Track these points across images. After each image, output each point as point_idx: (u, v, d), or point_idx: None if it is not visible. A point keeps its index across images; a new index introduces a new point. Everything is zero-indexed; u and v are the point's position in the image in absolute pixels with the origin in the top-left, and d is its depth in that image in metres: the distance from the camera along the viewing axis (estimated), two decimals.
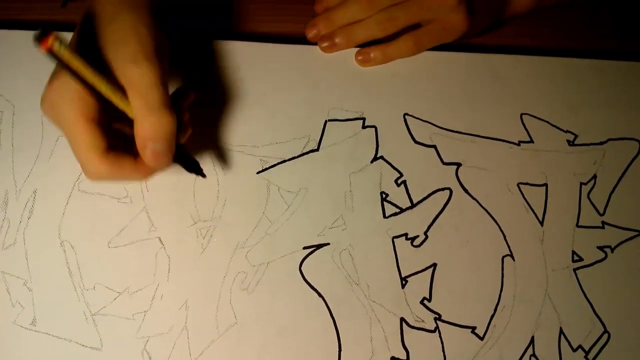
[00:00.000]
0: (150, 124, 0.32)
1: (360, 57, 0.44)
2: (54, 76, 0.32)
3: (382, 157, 0.43)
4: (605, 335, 0.41)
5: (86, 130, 0.31)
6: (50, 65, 0.43)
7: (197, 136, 0.38)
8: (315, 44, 0.45)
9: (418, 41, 0.44)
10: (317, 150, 0.43)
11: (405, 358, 0.39)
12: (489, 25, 0.48)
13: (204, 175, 0.39)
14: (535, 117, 0.45)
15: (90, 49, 0.32)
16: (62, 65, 0.29)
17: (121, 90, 0.32)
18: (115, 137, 0.33)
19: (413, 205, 0.42)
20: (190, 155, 0.38)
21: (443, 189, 0.43)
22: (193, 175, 0.38)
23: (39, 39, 0.27)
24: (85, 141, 0.31)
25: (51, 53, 0.28)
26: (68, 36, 0.44)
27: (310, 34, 0.45)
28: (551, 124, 0.45)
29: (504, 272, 0.41)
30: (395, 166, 0.43)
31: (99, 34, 0.33)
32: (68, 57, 0.29)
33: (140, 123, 0.32)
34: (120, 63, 0.32)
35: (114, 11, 0.33)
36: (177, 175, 0.40)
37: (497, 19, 0.48)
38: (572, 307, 0.41)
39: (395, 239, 0.41)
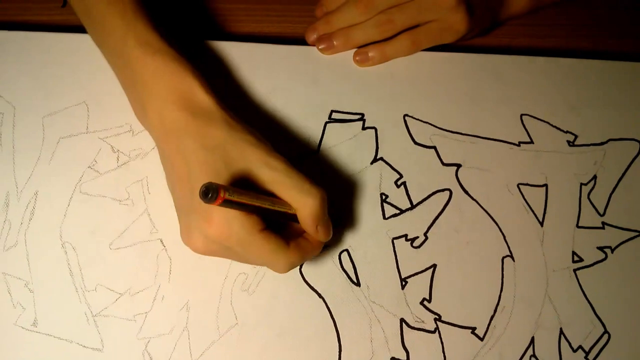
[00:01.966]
0: (312, 207, 0.34)
1: (358, 58, 0.45)
2: (206, 215, 0.33)
3: (382, 159, 0.43)
4: (606, 336, 0.41)
5: (268, 239, 0.33)
6: (50, 67, 0.43)
7: None
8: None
9: (416, 40, 0.44)
10: (317, 151, 0.43)
11: (405, 359, 0.39)
12: (488, 26, 0.48)
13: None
14: (535, 117, 0.45)
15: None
16: (233, 206, 0.31)
17: (271, 195, 0.34)
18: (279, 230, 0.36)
19: (413, 206, 0.42)
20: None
21: (443, 190, 0.43)
22: None
23: (211, 200, 0.29)
24: (271, 248, 0.34)
25: (224, 203, 0.30)
26: (69, 37, 0.44)
27: (311, 38, 0.45)
28: (551, 125, 0.45)
29: (504, 272, 0.41)
30: (395, 167, 0.43)
31: (220, 158, 0.34)
32: (238, 198, 0.31)
33: (306, 210, 0.34)
34: (256, 173, 0.34)
35: (213, 135, 0.35)
36: None
37: (496, 19, 0.48)
38: (572, 308, 0.41)
39: (395, 240, 0.41)
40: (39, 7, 0.47)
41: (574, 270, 0.42)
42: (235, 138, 0.35)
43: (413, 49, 0.45)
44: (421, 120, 0.44)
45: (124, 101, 0.41)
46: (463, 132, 0.44)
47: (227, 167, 0.34)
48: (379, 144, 0.43)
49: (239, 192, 0.31)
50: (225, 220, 0.32)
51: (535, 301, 0.41)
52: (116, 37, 0.37)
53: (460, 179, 0.43)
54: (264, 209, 0.33)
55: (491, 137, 0.44)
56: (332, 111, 0.44)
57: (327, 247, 0.41)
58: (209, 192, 0.29)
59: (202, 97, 0.36)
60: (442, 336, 0.40)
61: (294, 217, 0.35)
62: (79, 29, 0.43)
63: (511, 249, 0.42)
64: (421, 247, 0.41)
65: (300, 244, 0.36)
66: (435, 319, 0.40)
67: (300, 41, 0.46)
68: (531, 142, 0.44)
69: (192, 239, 0.34)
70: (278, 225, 0.36)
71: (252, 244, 0.33)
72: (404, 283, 0.41)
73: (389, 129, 0.44)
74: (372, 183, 0.42)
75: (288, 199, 0.34)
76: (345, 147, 0.43)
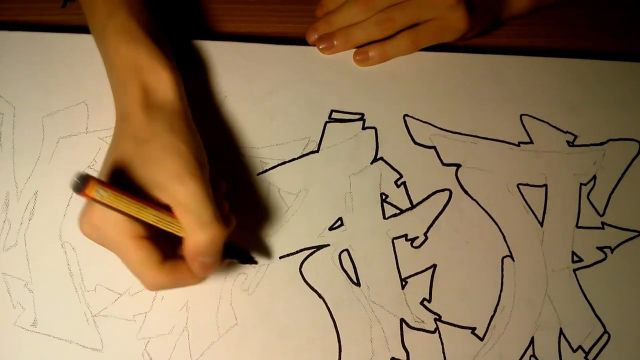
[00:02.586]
0: (201, 241, 0.32)
1: (358, 57, 0.45)
2: (91, 202, 0.31)
3: (382, 158, 0.43)
4: (605, 336, 0.41)
5: (137, 248, 0.32)
6: (50, 67, 0.43)
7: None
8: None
9: (416, 39, 0.44)
10: (317, 151, 0.43)
11: (405, 359, 0.39)
12: (488, 26, 0.48)
13: (255, 262, 0.39)
14: (535, 117, 0.45)
15: (126, 171, 0.33)
16: (105, 206, 0.29)
17: (165, 208, 0.32)
18: (166, 243, 0.34)
19: (413, 206, 0.42)
20: (238, 246, 0.38)
21: (443, 190, 0.43)
22: None
23: (79, 189, 0.27)
24: (138, 259, 0.32)
25: (94, 200, 0.28)
26: (69, 37, 0.44)
27: (311, 38, 0.45)
28: (551, 125, 0.45)
29: (504, 272, 0.41)
30: (395, 167, 0.43)
31: (134, 154, 0.33)
32: (112, 200, 0.29)
33: (192, 240, 0.32)
34: (164, 182, 0.32)
35: (150, 131, 0.34)
36: None
37: (497, 19, 0.48)
38: (572, 308, 0.41)
39: (395, 240, 0.41)
40: (39, 7, 0.47)
41: (574, 270, 0.42)
42: (167, 141, 0.33)
43: (413, 48, 0.45)
44: (421, 120, 0.44)
45: None
46: (463, 132, 0.44)
47: (143, 165, 0.33)
48: (379, 143, 0.43)
49: (119, 194, 0.29)
50: (102, 216, 0.31)
51: (535, 301, 0.41)
52: (99, 20, 0.38)
53: (460, 179, 0.43)
54: (144, 221, 0.31)
55: (491, 137, 0.44)
56: (332, 111, 0.44)
57: (327, 247, 0.41)
58: (78, 182, 0.28)
59: (163, 92, 0.36)
60: (442, 336, 0.40)
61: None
62: (79, 29, 0.43)
63: (511, 249, 0.42)
64: (421, 247, 0.41)
65: (179, 267, 0.33)
66: (435, 319, 0.40)
67: (301, 41, 0.46)
68: (531, 142, 0.44)
69: (80, 219, 0.33)
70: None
71: (121, 248, 0.32)
72: (404, 283, 0.41)
73: (389, 129, 0.44)
74: (372, 183, 0.42)
75: (182, 221, 0.32)
76: (345, 147, 0.43)
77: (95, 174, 0.41)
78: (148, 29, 0.38)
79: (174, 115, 0.35)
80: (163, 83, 0.36)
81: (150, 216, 0.31)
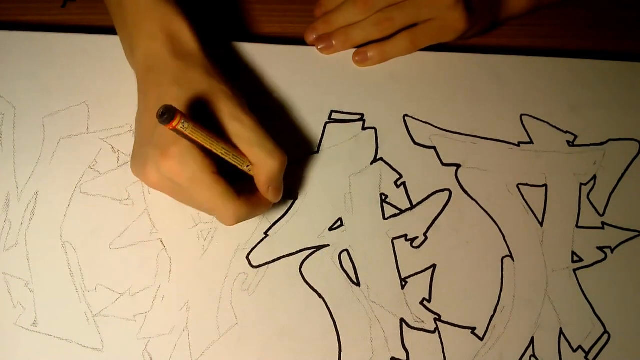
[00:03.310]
0: (270, 167, 0.35)
1: (357, 58, 0.45)
2: (163, 147, 0.33)
3: (381, 159, 0.43)
4: (605, 336, 0.41)
5: (218, 183, 0.33)
6: (51, 68, 0.43)
7: None
8: None
9: (415, 39, 0.44)
10: (317, 152, 0.43)
11: (405, 359, 0.39)
12: (488, 26, 0.48)
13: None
14: (535, 117, 0.45)
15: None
16: (186, 138, 0.31)
17: (230, 145, 0.34)
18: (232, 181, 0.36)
19: (413, 207, 0.42)
20: None
21: (443, 190, 0.43)
22: None
23: (166, 121, 0.29)
24: (221, 192, 0.33)
25: (177, 131, 0.30)
26: (69, 37, 0.44)
27: (310, 38, 0.45)
28: (551, 125, 0.45)
29: (504, 272, 0.42)
30: (395, 167, 0.43)
31: (185, 100, 0.35)
32: (192, 132, 0.31)
33: (262, 168, 0.35)
34: (224, 123, 0.35)
35: (190, 77, 0.36)
36: None
37: (496, 19, 0.48)
38: (572, 308, 0.41)
39: (395, 240, 0.41)
40: (39, 7, 0.47)
41: (574, 270, 0.42)
42: (212, 85, 0.35)
43: (412, 48, 0.45)
44: (421, 121, 0.44)
45: (124, 101, 0.41)
46: (463, 133, 0.44)
47: (197, 109, 0.34)
48: (379, 144, 0.43)
49: (196, 126, 0.31)
50: (180, 155, 0.32)
51: (535, 301, 0.41)
52: None
53: (460, 179, 0.43)
54: (217, 154, 0.33)
55: (491, 137, 0.44)
56: (332, 111, 0.44)
57: (327, 247, 0.41)
58: (165, 114, 0.29)
59: (188, 41, 0.37)
60: (442, 336, 0.40)
61: (246, 174, 0.36)
62: (79, 29, 0.43)
63: (511, 249, 0.42)
64: (421, 247, 0.41)
65: (250, 198, 0.36)
66: (435, 319, 0.40)
67: (300, 41, 0.46)
68: (531, 142, 0.44)
69: (146, 169, 0.34)
70: (231, 179, 0.36)
71: (204, 183, 0.33)
72: (403, 283, 0.41)
73: (388, 129, 0.44)
74: (372, 183, 0.42)
75: (249, 154, 0.35)
76: (345, 148, 0.43)
77: (97, 174, 0.41)
78: None
79: (204, 60, 0.37)
80: (185, 32, 0.37)
81: (219, 149, 0.33)
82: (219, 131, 0.34)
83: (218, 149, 0.33)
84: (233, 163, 0.35)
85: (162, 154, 0.33)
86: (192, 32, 0.38)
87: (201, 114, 0.34)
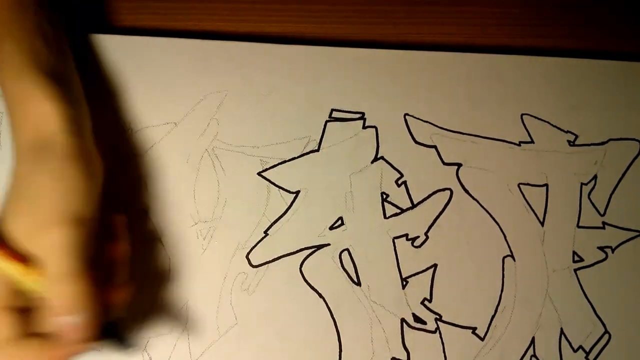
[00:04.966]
0: (57, 294, 0.28)
1: None
2: None
3: (382, 158, 0.43)
4: (606, 336, 0.41)
5: None
6: None
7: (198, 137, 0.38)
8: (317, 43, 0.45)
9: None
10: (317, 150, 0.43)
11: (405, 359, 0.39)
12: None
13: (132, 347, 0.34)
14: (535, 117, 0.45)
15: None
16: None
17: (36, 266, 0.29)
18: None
19: (413, 206, 0.42)
20: (123, 333, 0.34)
21: (443, 190, 0.43)
22: (193, 179, 0.38)
23: None
24: None
25: None
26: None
27: None
28: (552, 124, 0.45)
29: (505, 272, 0.41)
30: (396, 166, 0.43)
31: (9, 202, 0.30)
32: None
33: (49, 295, 0.29)
34: (31, 233, 0.29)
35: (28, 175, 0.30)
36: (177, 176, 0.40)
37: None
38: (573, 308, 0.41)
39: (395, 240, 0.41)
40: None
41: (575, 270, 0.42)
42: (41, 186, 0.30)
43: None
44: (422, 120, 0.44)
45: (123, 102, 0.41)
46: (463, 132, 0.44)
47: (14, 214, 0.30)
48: (380, 143, 0.43)
49: None
50: None
51: (535, 301, 0.41)
52: None
53: (460, 179, 0.43)
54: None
55: (492, 136, 0.44)
56: (332, 110, 0.44)
57: (327, 246, 0.41)
58: None
59: (47, 126, 0.31)
60: (442, 336, 0.40)
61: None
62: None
63: (512, 248, 0.42)
64: (422, 247, 0.41)
65: (46, 344, 0.29)
66: (436, 319, 0.40)
67: (300, 40, 0.46)
68: (532, 141, 0.44)
69: None
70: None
71: None
72: (404, 283, 0.41)
73: (389, 128, 0.44)
74: (373, 182, 0.42)
75: (42, 275, 0.29)
76: (345, 146, 0.43)
77: None
78: (35, 55, 0.33)
79: (58, 155, 0.31)
80: (46, 115, 0.31)
81: (16, 270, 0.29)
82: (31, 241, 0.29)
83: (13, 270, 0.29)
84: (34, 288, 0.30)
85: None
86: (55, 114, 0.32)
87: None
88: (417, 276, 0.41)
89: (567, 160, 0.44)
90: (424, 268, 0.41)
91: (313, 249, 0.41)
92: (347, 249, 0.41)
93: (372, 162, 0.43)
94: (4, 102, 0.33)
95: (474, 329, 0.40)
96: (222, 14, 0.48)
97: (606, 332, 0.41)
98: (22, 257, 0.29)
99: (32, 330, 0.29)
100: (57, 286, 0.29)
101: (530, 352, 0.40)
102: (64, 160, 0.31)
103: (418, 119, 0.44)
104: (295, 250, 0.40)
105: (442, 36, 0.48)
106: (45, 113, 0.31)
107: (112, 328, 0.32)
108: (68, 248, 0.29)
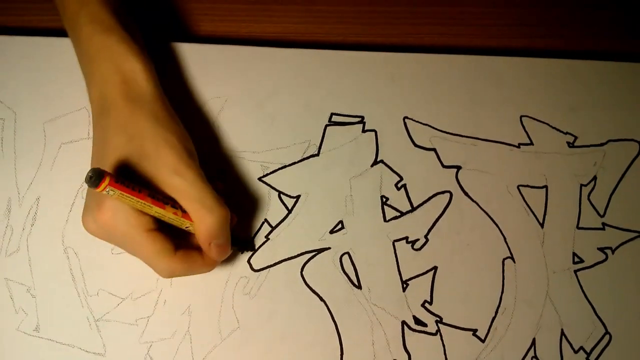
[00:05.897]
0: (210, 224, 0.33)
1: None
2: (99, 200, 0.33)
3: (382, 161, 0.43)
4: (607, 337, 0.41)
5: (150, 241, 0.33)
6: (51, 73, 0.43)
7: (198, 142, 0.38)
8: (318, 44, 0.45)
9: None
10: (317, 155, 0.43)
11: None
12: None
13: (255, 249, 0.41)
14: (535, 119, 0.45)
15: (126, 167, 0.33)
16: (121, 199, 0.31)
17: (170, 200, 0.34)
18: (180, 235, 0.35)
19: (413, 209, 0.42)
20: (240, 236, 0.40)
21: (443, 192, 0.43)
22: None
23: (93, 185, 0.29)
24: (152, 251, 0.33)
25: (109, 194, 0.30)
26: (70, 42, 0.44)
27: None
28: (551, 126, 0.45)
29: (505, 274, 0.42)
30: (396, 170, 0.43)
31: (130, 150, 0.34)
32: (119, 197, 0.30)
33: (200, 225, 0.34)
34: (163, 177, 0.34)
35: (138, 125, 0.34)
36: None
37: None
38: (573, 309, 0.41)
39: (395, 243, 0.41)
40: (40, 12, 0.47)
41: (575, 272, 0.42)
42: (156, 133, 0.34)
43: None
44: (421, 123, 0.44)
45: None
46: (463, 134, 0.44)
47: (138, 160, 0.33)
48: (379, 146, 0.43)
49: (125, 192, 0.30)
50: (113, 212, 0.32)
51: (536, 302, 0.41)
52: (71, 12, 0.38)
53: (460, 181, 0.43)
54: (151, 214, 0.33)
55: (491, 138, 0.44)
56: (332, 114, 0.44)
57: (327, 250, 0.41)
58: (93, 177, 0.29)
59: (141, 83, 0.36)
60: (443, 338, 0.40)
61: (188, 230, 0.35)
62: None
63: (512, 250, 0.42)
64: (422, 249, 0.41)
65: (190, 256, 0.35)
66: (436, 321, 0.40)
67: (301, 43, 0.46)
68: (531, 143, 0.44)
69: (85, 218, 0.34)
70: (176, 231, 0.35)
71: (135, 241, 0.33)
72: (405, 285, 0.41)
73: (389, 131, 0.44)
74: (373, 186, 0.42)
75: (188, 210, 0.34)
76: (345, 150, 0.43)
77: None
78: (121, 17, 0.38)
79: (156, 105, 0.36)
80: (139, 73, 0.36)
81: (154, 212, 0.33)
82: (161, 183, 0.34)
83: (151, 212, 0.32)
84: (172, 224, 0.34)
85: (98, 205, 0.33)
86: (147, 74, 0.36)
87: (142, 165, 0.34)
88: (417, 279, 0.41)
89: (567, 162, 0.44)
90: (424, 270, 0.41)
91: (314, 253, 0.41)
92: (348, 253, 0.41)
93: (371, 166, 0.43)
94: (85, 55, 0.37)
95: (474, 331, 0.40)
96: (222, 15, 0.48)
97: (607, 332, 0.41)
98: (157, 202, 0.33)
99: (177, 244, 0.34)
100: (206, 217, 0.33)
101: (531, 353, 0.40)
102: (165, 109, 0.36)
103: (417, 122, 0.44)
104: (296, 254, 0.41)
105: (441, 38, 0.48)
106: (137, 70, 0.36)
107: (235, 238, 0.38)
108: (203, 184, 0.34)
